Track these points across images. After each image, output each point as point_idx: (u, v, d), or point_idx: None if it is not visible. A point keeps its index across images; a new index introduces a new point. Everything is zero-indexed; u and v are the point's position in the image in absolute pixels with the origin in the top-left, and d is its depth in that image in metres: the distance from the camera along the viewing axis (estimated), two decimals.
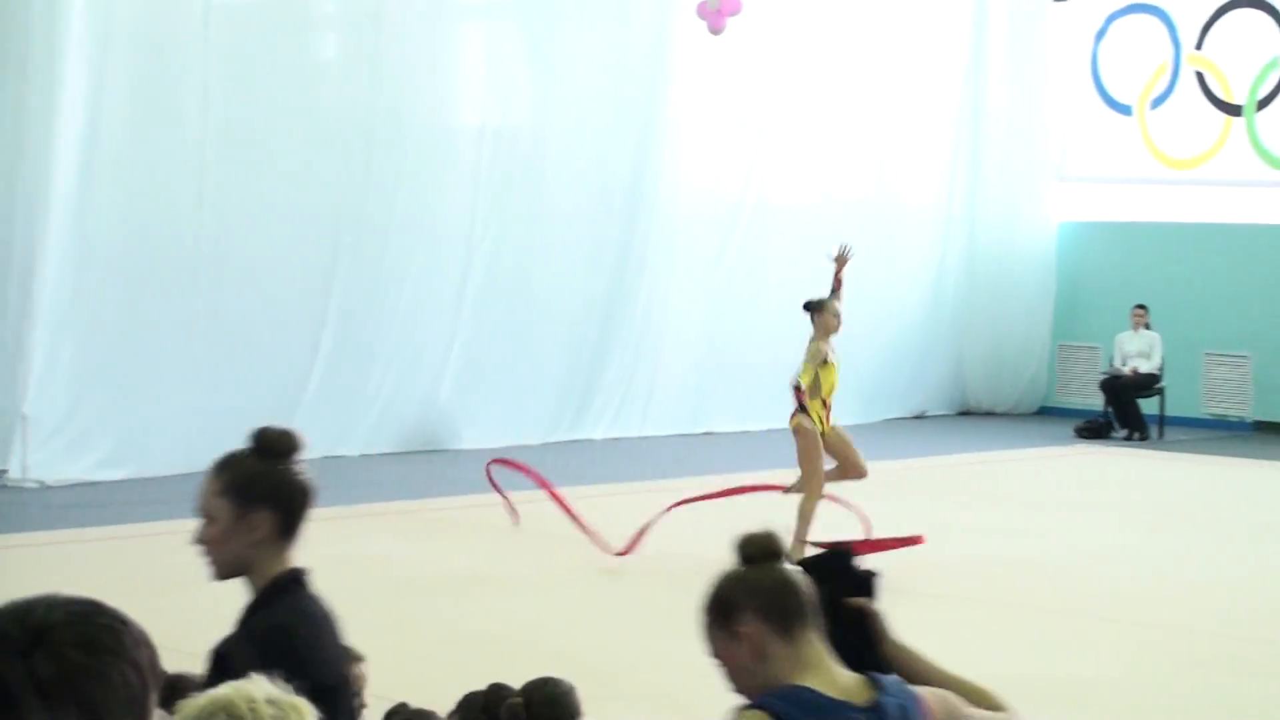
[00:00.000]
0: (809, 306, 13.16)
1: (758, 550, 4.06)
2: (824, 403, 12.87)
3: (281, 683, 3.26)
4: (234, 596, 4.60)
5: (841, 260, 13.60)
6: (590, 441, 19.77)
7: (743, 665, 3.99)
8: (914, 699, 4.02)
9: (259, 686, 3.46)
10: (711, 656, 4.02)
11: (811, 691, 3.91)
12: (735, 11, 17.95)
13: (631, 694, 8.39)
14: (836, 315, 13.00)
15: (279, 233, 17.52)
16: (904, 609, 10.88)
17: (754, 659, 3.96)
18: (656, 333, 20.65)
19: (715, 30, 17.99)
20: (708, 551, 13.03)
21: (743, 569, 4.04)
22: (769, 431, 21.16)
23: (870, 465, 18.32)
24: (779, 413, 21.59)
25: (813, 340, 12.96)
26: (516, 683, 4.77)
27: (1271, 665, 9.74)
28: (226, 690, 3.46)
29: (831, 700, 3.92)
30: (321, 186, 17.76)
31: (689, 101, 20.70)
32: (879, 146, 22.98)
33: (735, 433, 21.02)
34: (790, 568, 4.09)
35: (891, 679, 4.05)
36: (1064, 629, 10.71)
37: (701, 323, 21.20)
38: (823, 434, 12.84)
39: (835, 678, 3.97)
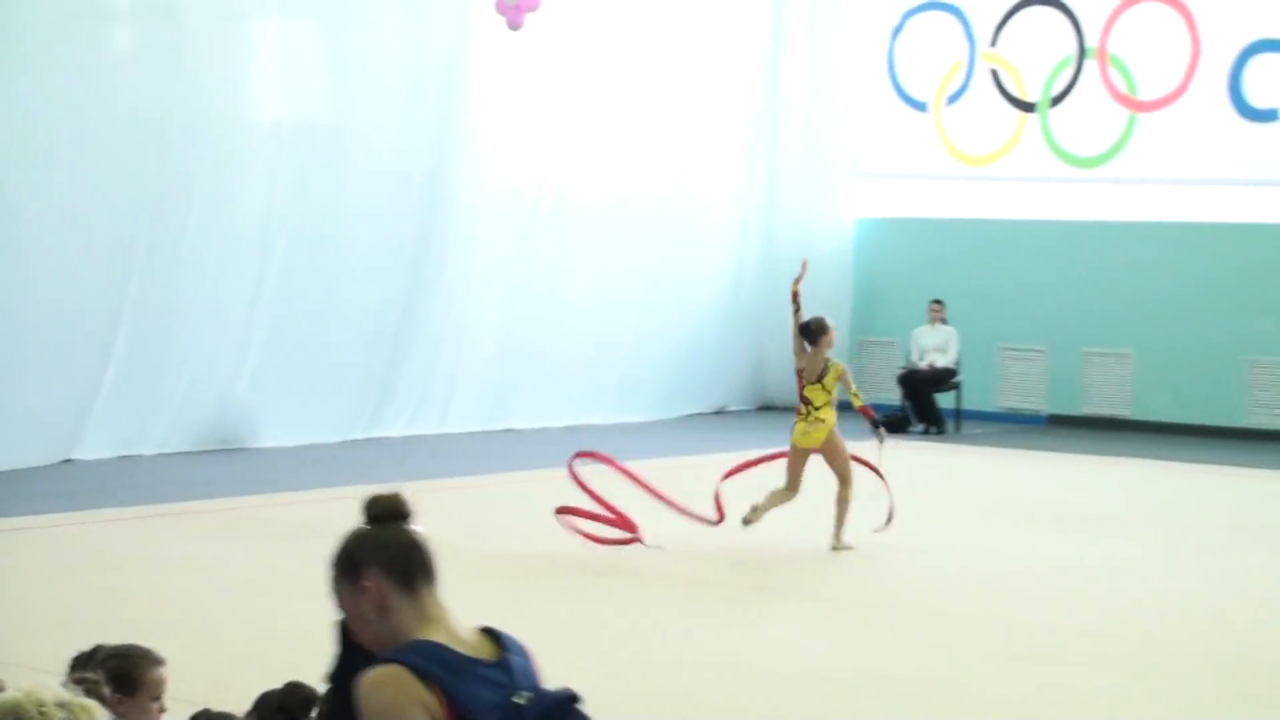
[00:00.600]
0: (807, 331, 13.83)
1: (384, 510, 4.27)
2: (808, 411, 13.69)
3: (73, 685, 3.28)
4: None
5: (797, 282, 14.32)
6: (389, 439, 19.71)
7: (366, 617, 4.17)
8: (529, 657, 4.21)
9: (49, 689, 3.49)
10: (338, 608, 4.21)
11: (441, 646, 4.10)
12: (534, 8, 18.01)
13: None
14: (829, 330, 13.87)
15: (72, 229, 17.26)
16: (708, 603, 11.03)
17: (376, 611, 4.16)
18: (456, 329, 20.64)
19: (514, 26, 18.04)
20: (549, 549, 13.12)
21: (369, 527, 4.24)
22: (569, 428, 21.31)
23: (670, 461, 18.60)
24: (578, 409, 21.85)
25: (827, 359, 13.78)
26: (322, 683, 4.76)
27: (1081, 654, 9.96)
28: (15, 694, 3.47)
29: (462, 656, 4.11)
30: (116, 182, 17.52)
31: (488, 97, 20.71)
32: (678, 143, 23.15)
33: (535, 429, 21.09)
34: (415, 527, 4.28)
35: (511, 636, 4.23)
36: (876, 622, 10.85)
37: (501, 319, 21.22)
38: (803, 446, 13.68)
39: (459, 633, 4.19)
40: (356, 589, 4.18)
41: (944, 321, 22.37)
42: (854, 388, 13.93)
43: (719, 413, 23.71)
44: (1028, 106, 23.11)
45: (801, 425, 13.68)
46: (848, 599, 11.58)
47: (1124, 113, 22.34)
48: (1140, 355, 22.32)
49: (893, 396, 22.90)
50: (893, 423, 21.86)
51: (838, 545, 13.27)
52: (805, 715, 8.53)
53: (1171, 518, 15.63)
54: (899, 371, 22.75)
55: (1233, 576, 12.56)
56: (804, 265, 14.51)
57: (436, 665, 4.05)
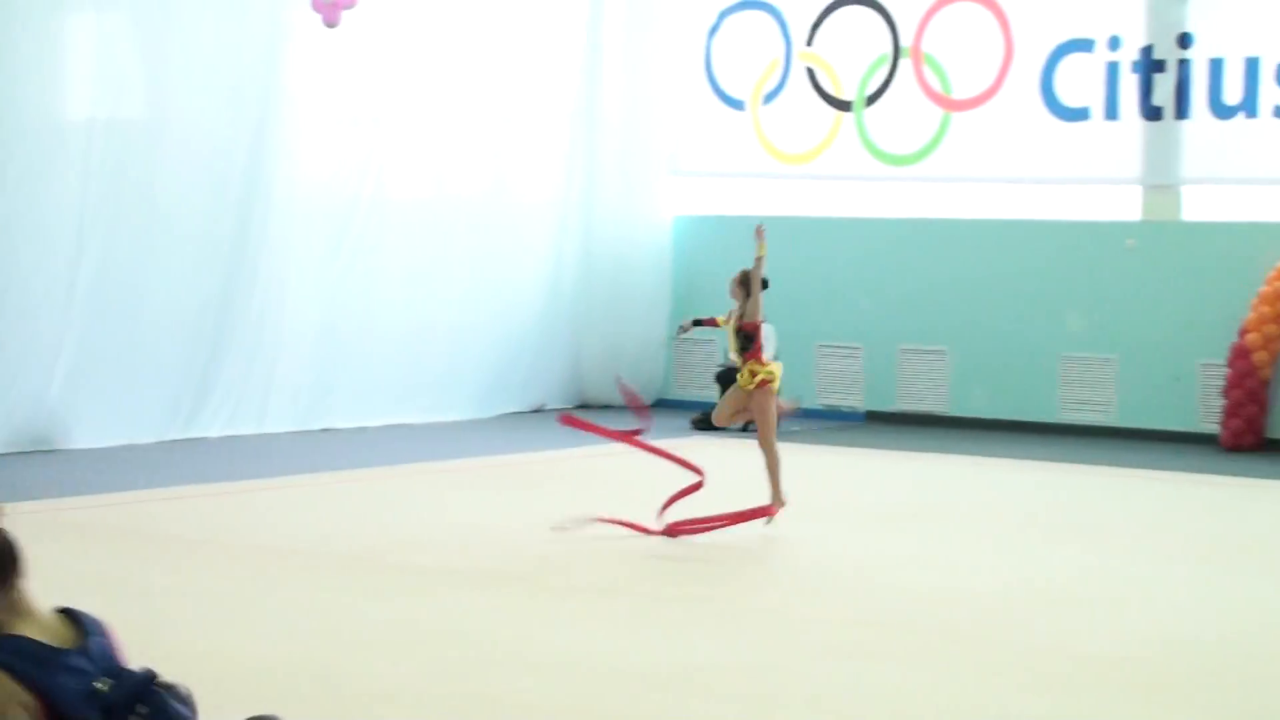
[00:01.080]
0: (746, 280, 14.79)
1: None
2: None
3: None
4: None
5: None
6: (206, 440, 19.60)
7: None
8: (108, 634, 4.35)
9: None
10: None
11: (29, 641, 4.22)
12: (350, 5, 17.99)
13: (245, 696, 8.43)
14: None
15: None
16: (532, 602, 11.10)
17: None
18: (273, 328, 20.56)
19: (330, 23, 18.01)
20: (369, 549, 13.12)
21: None
22: (388, 427, 21.31)
23: (489, 460, 18.67)
24: (398, 408, 21.84)
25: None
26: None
27: (887, 648, 10.13)
28: None
29: (49, 648, 4.31)
30: None
31: (305, 94, 20.66)
32: (496, 140, 23.20)
33: (354, 429, 21.07)
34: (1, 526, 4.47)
35: (89, 616, 4.38)
36: (688, 617, 10.95)
37: (318, 318, 21.16)
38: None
39: (46, 624, 4.32)
40: None
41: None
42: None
43: (538, 411, 23.78)
44: (844, 105, 23.43)
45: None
46: (677, 596, 11.67)
47: (938, 111, 22.73)
48: (955, 352, 22.70)
49: (710, 394, 23.08)
50: (711, 419, 22.04)
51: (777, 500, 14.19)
52: (632, 713, 8.60)
53: (983, 512, 15.91)
54: (717, 369, 22.94)
55: (1039, 569, 12.81)
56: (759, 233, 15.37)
57: (27, 662, 4.18)
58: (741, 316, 14.48)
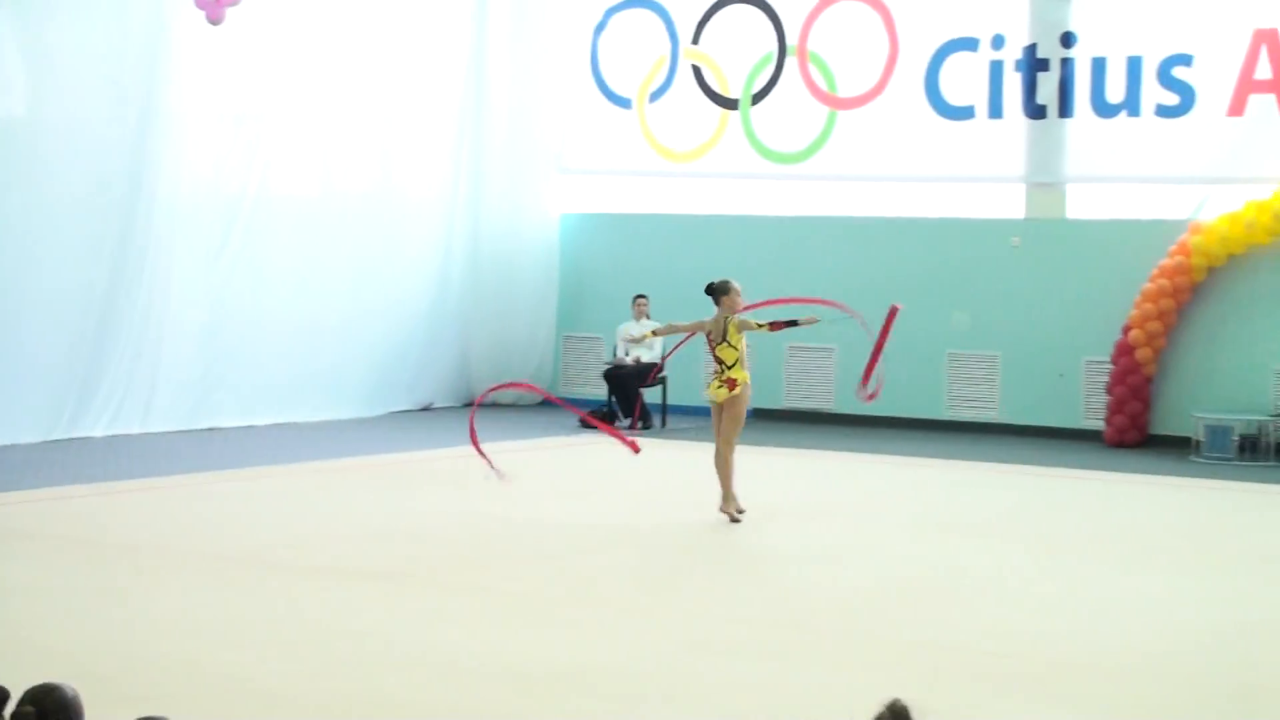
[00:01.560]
0: (711, 290, 14.83)
1: None
2: (720, 363, 14.66)
3: None
4: None
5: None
6: (91, 439, 19.52)
7: None
8: None
9: None
10: None
11: None
12: (234, 2, 17.95)
13: (134, 695, 8.47)
14: (739, 294, 14.78)
15: None
16: (415, 601, 11.13)
17: None
18: (158, 327, 20.49)
19: (214, 20, 17.97)
20: (254, 549, 13.14)
21: None
22: (275, 426, 21.27)
23: (377, 459, 18.67)
24: (285, 407, 21.81)
25: (727, 318, 14.63)
26: (14, 689, 4.89)
27: (780, 645, 10.22)
28: None
29: None
30: None
31: (188, 91, 20.59)
32: (382, 138, 23.21)
33: (239, 428, 21.03)
34: None
35: None
36: (564, 617, 10.95)
37: (204, 316, 21.10)
38: (715, 400, 14.74)
39: None
40: None
41: (648, 316, 22.71)
42: (753, 322, 14.71)
43: (426, 409, 23.79)
44: (730, 103, 23.58)
45: (714, 383, 14.65)
46: (539, 594, 11.69)
47: (823, 110, 22.92)
48: (843, 350, 22.86)
49: (598, 392, 23.20)
50: (600, 418, 22.16)
51: (729, 511, 14.63)
52: (506, 713, 8.64)
53: (868, 508, 16.06)
54: (605, 367, 23.04)
55: (920, 564, 12.94)
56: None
57: None
58: (731, 326, 14.60)
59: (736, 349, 14.56)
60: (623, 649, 9.98)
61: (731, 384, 14.55)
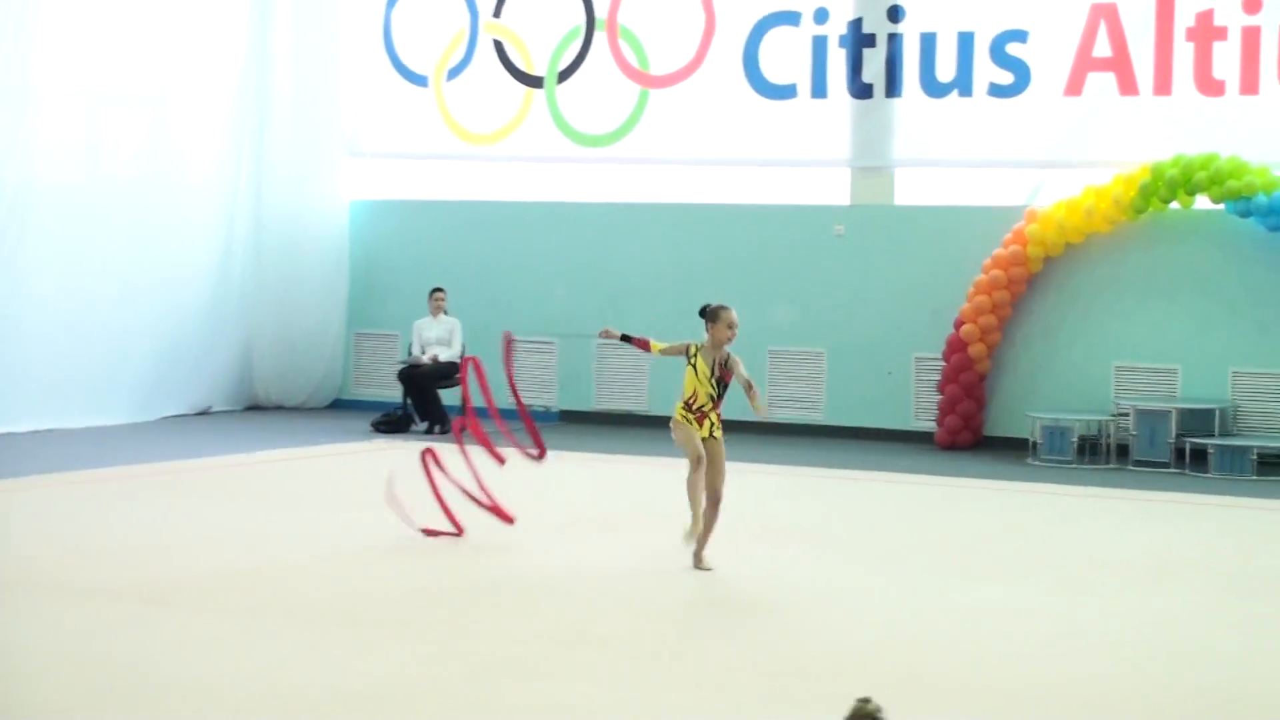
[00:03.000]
0: (705, 312, 13.06)
1: None
2: (689, 407, 12.76)
3: None
4: None
5: None
6: None
7: None
8: None
9: None
10: None
11: None
12: None
13: None
14: (731, 326, 12.82)
15: None
16: (179, 623, 10.74)
17: None
18: None
19: None
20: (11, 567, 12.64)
21: None
22: (38, 433, 20.69)
23: (146, 468, 18.14)
24: (50, 412, 21.18)
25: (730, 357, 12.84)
26: None
27: (554, 665, 9.97)
28: None
29: None
30: None
31: None
32: (154, 120, 22.74)
33: (0, 434, 20.46)
34: None
35: None
36: (341, 636, 10.69)
37: None
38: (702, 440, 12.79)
39: None
40: None
41: (446, 312, 22.34)
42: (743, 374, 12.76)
43: (204, 414, 23.29)
44: (534, 81, 23.27)
45: (705, 420, 12.80)
46: (314, 610, 11.38)
47: (635, 88, 22.68)
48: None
49: (393, 394, 22.82)
50: (393, 422, 21.81)
51: (701, 565, 12.76)
52: None
53: (679, 517, 15.83)
54: (400, 366, 22.60)
55: (732, 578, 12.76)
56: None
57: None
58: (726, 364, 12.70)
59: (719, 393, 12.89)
60: (409, 670, 9.76)
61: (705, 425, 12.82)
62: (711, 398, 12.71)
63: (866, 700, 4.63)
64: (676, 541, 13.00)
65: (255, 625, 10.93)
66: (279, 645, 10.35)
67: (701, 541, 12.73)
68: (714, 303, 13.20)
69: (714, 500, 12.71)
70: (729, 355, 12.76)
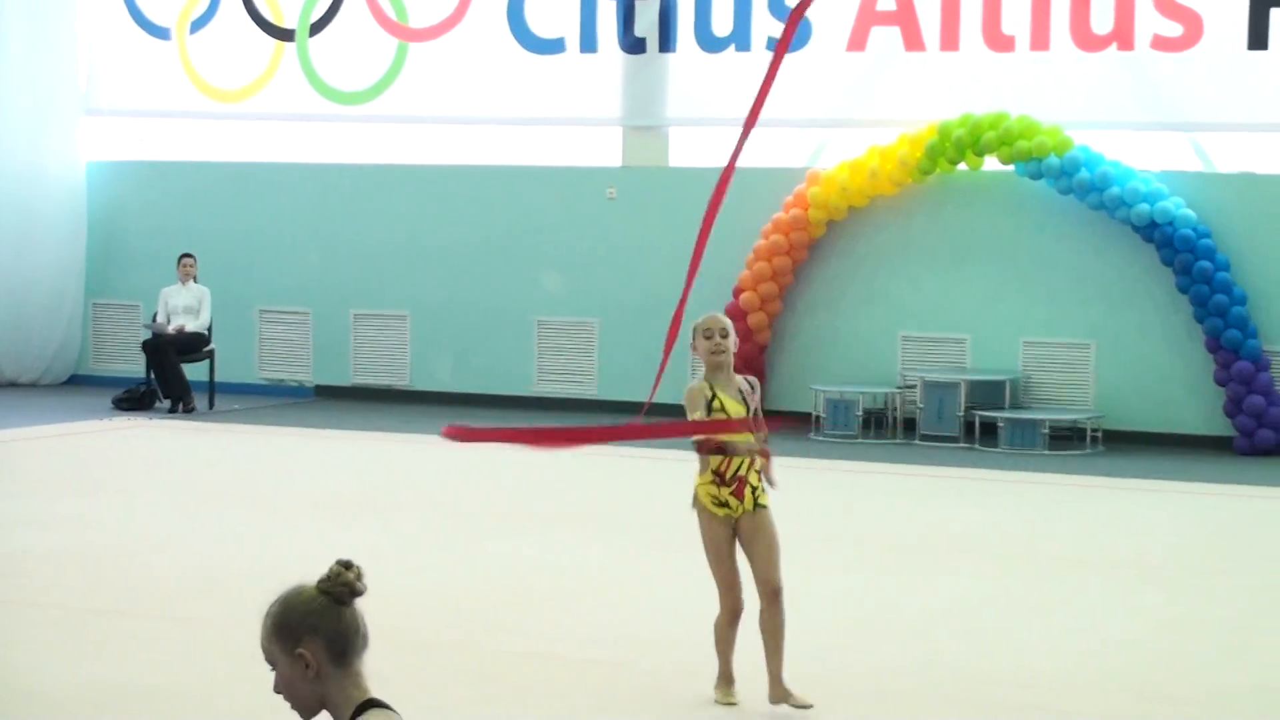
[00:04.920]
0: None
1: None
2: (720, 477, 9.01)
3: None
4: None
5: None
6: None
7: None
8: None
9: None
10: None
11: None
12: None
13: None
14: (709, 333, 9.40)
15: None
16: None
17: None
18: None
19: None
20: None
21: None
22: None
23: None
24: None
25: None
26: None
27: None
28: None
29: None
30: None
31: None
32: None
33: None
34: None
35: None
36: (113, 630, 10.48)
37: None
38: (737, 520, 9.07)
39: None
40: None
41: (196, 280, 21.91)
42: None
43: None
44: (285, 34, 22.93)
45: (722, 487, 9.08)
46: (77, 606, 11.11)
47: (393, 42, 22.41)
48: (417, 317, 22.45)
49: (136, 368, 22.39)
50: (137, 398, 21.39)
51: (791, 701, 9.07)
52: None
53: (443, 499, 15.79)
54: (143, 338, 22.16)
55: (499, 562, 12.68)
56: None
57: None
58: (753, 391, 9.22)
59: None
60: (168, 666, 9.59)
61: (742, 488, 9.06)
62: (751, 448, 9.01)
63: (348, 565, 4.62)
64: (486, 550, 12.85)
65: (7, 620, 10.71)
66: (31, 642, 10.12)
67: (777, 667, 9.08)
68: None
69: (772, 594, 9.02)
70: (747, 381, 9.25)
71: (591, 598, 11.70)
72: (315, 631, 4.55)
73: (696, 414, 8.96)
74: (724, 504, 8.97)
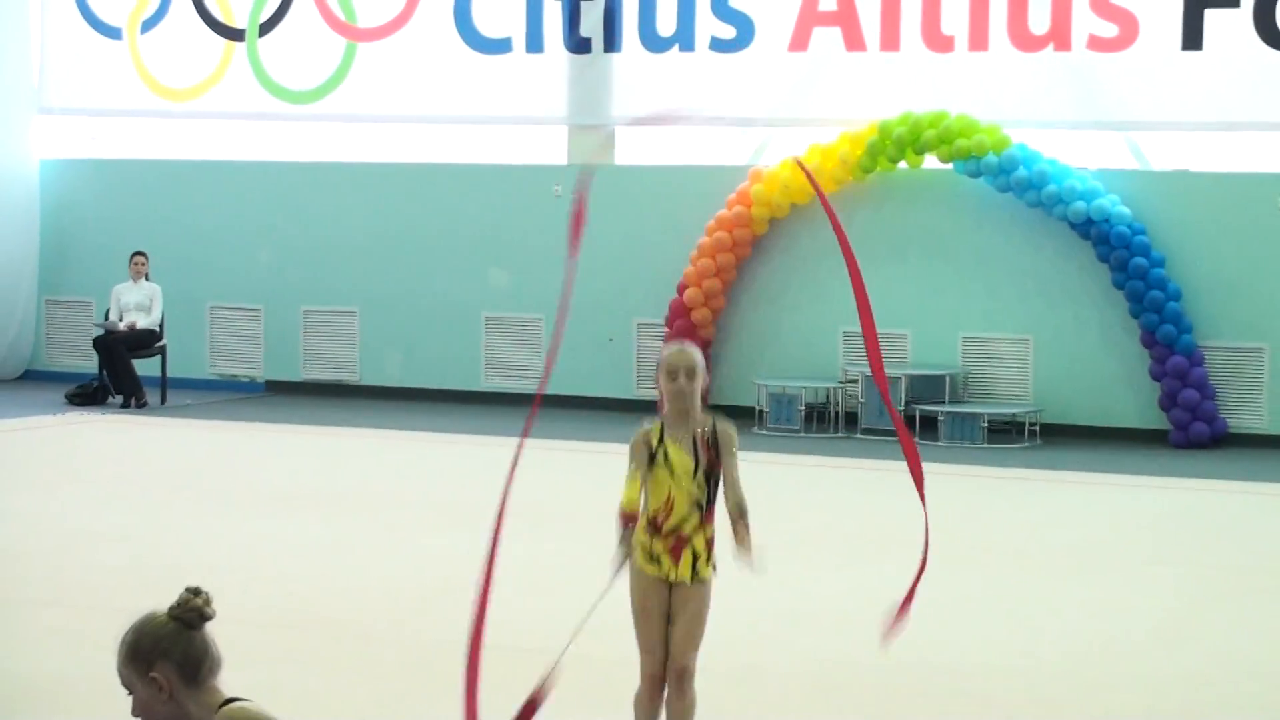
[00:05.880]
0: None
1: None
2: (656, 526, 7.66)
3: None
4: None
5: None
6: None
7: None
8: None
9: None
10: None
11: None
12: None
13: None
14: (675, 374, 7.67)
15: None
16: None
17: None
18: None
19: None
20: None
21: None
22: None
23: None
24: None
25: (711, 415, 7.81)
26: None
27: (279, 650, 9.73)
28: None
29: None
30: None
31: None
32: None
33: None
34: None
35: None
36: (52, 622, 10.40)
37: None
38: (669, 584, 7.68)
39: None
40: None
41: (148, 278, 21.77)
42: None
43: None
44: (235, 34, 22.79)
45: (660, 548, 7.68)
46: (16, 598, 11.02)
47: (341, 42, 22.29)
48: (366, 313, 22.36)
49: (89, 364, 22.25)
50: (89, 394, 21.27)
51: None
52: None
53: (392, 493, 15.67)
54: (95, 334, 22.02)
55: (438, 556, 12.61)
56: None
57: None
58: (713, 443, 7.70)
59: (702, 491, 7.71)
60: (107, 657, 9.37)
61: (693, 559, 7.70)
62: (699, 505, 7.65)
63: (196, 592, 4.79)
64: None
65: None
66: None
67: None
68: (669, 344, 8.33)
69: (679, 675, 7.71)
70: (716, 426, 7.73)
71: (533, 589, 11.64)
72: (167, 656, 4.70)
73: (632, 466, 7.60)
74: (656, 560, 7.61)
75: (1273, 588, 12.24)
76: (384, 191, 22.32)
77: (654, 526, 7.60)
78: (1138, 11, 19.32)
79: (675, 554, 7.60)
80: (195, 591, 4.80)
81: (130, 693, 4.74)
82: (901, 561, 12.64)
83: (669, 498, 7.59)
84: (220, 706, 4.72)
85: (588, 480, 16.58)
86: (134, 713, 4.74)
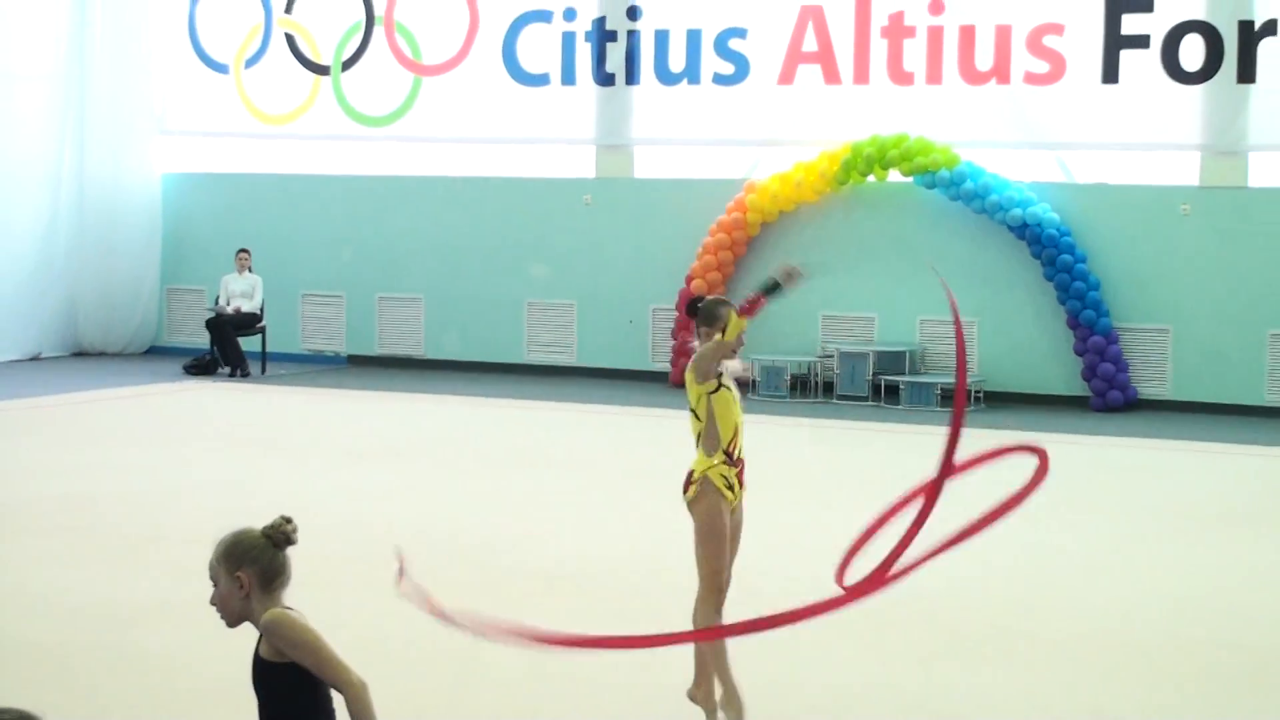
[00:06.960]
0: (692, 309, 7.64)
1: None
2: (730, 456, 7.30)
3: None
4: None
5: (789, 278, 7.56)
6: None
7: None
8: None
9: None
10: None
11: None
12: None
13: None
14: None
15: None
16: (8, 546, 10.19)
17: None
18: None
19: None
20: None
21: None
22: None
23: None
24: None
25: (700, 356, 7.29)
26: None
27: (352, 582, 9.60)
28: None
29: None
30: None
31: None
32: None
33: None
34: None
35: None
36: (157, 554, 10.24)
37: None
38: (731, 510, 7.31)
39: None
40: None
41: (250, 270, 21.66)
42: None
43: (35, 359, 22.44)
44: (322, 69, 22.62)
45: (720, 467, 7.31)
46: (133, 534, 10.90)
47: (409, 76, 22.12)
48: (430, 299, 22.22)
49: (202, 341, 22.15)
50: (202, 365, 21.17)
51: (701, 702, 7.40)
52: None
53: (455, 446, 15.56)
54: (207, 316, 21.89)
55: (507, 501, 12.49)
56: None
57: None
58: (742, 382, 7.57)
59: (699, 416, 7.34)
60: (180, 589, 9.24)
61: (688, 479, 7.35)
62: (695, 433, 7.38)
63: (288, 520, 4.84)
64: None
65: (83, 545, 10.47)
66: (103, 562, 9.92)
67: (706, 684, 7.38)
68: (708, 295, 8.55)
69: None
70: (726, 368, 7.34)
71: (571, 527, 11.55)
72: (254, 562, 4.75)
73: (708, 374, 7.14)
74: (731, 487, 7.22)
75: (1182, 527, 12.15)
76: (444, 200, 22.18)
77: (729, 456, 7.23)
78: (1065, 52, 19.16)
79: (741, 479, 7.31)
80: (287, 519, 4.84)
81: (215, 585, 4.77)
82: (865, 500, 12.57)
83: (736, 428, 7.24)
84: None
85: (607, 435, 16.55)
86: (212, 601, 4.78)
